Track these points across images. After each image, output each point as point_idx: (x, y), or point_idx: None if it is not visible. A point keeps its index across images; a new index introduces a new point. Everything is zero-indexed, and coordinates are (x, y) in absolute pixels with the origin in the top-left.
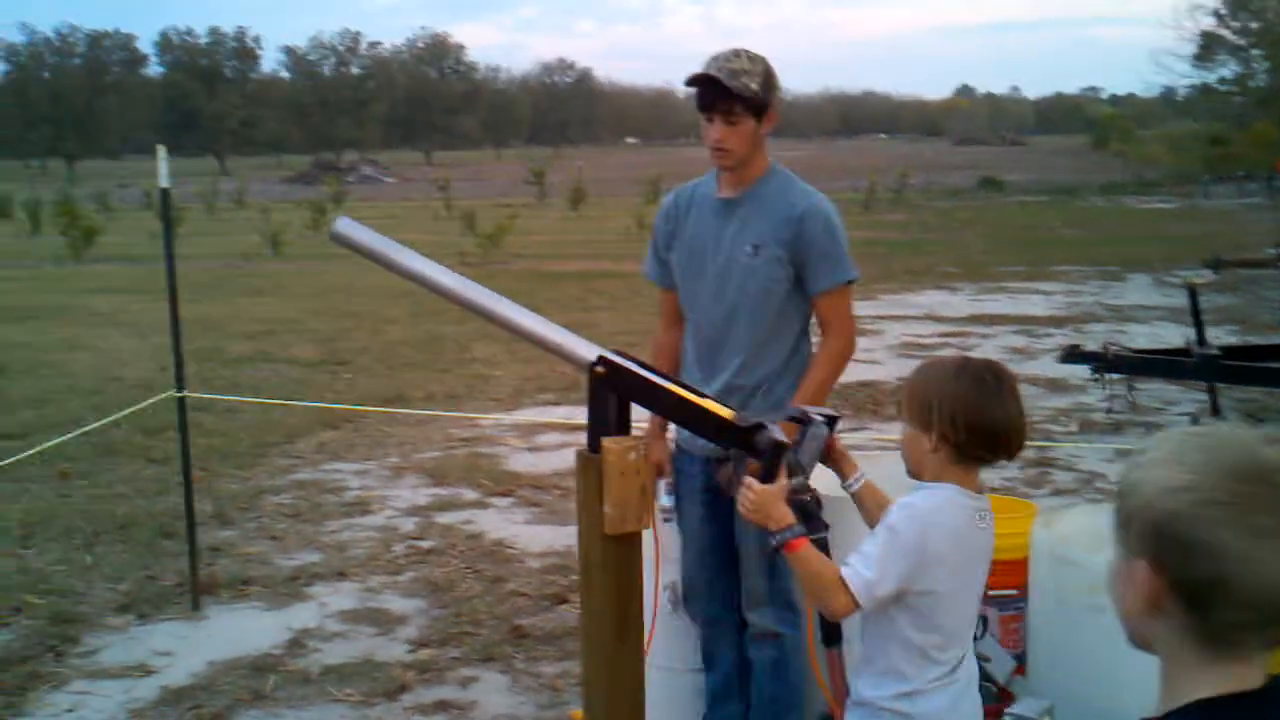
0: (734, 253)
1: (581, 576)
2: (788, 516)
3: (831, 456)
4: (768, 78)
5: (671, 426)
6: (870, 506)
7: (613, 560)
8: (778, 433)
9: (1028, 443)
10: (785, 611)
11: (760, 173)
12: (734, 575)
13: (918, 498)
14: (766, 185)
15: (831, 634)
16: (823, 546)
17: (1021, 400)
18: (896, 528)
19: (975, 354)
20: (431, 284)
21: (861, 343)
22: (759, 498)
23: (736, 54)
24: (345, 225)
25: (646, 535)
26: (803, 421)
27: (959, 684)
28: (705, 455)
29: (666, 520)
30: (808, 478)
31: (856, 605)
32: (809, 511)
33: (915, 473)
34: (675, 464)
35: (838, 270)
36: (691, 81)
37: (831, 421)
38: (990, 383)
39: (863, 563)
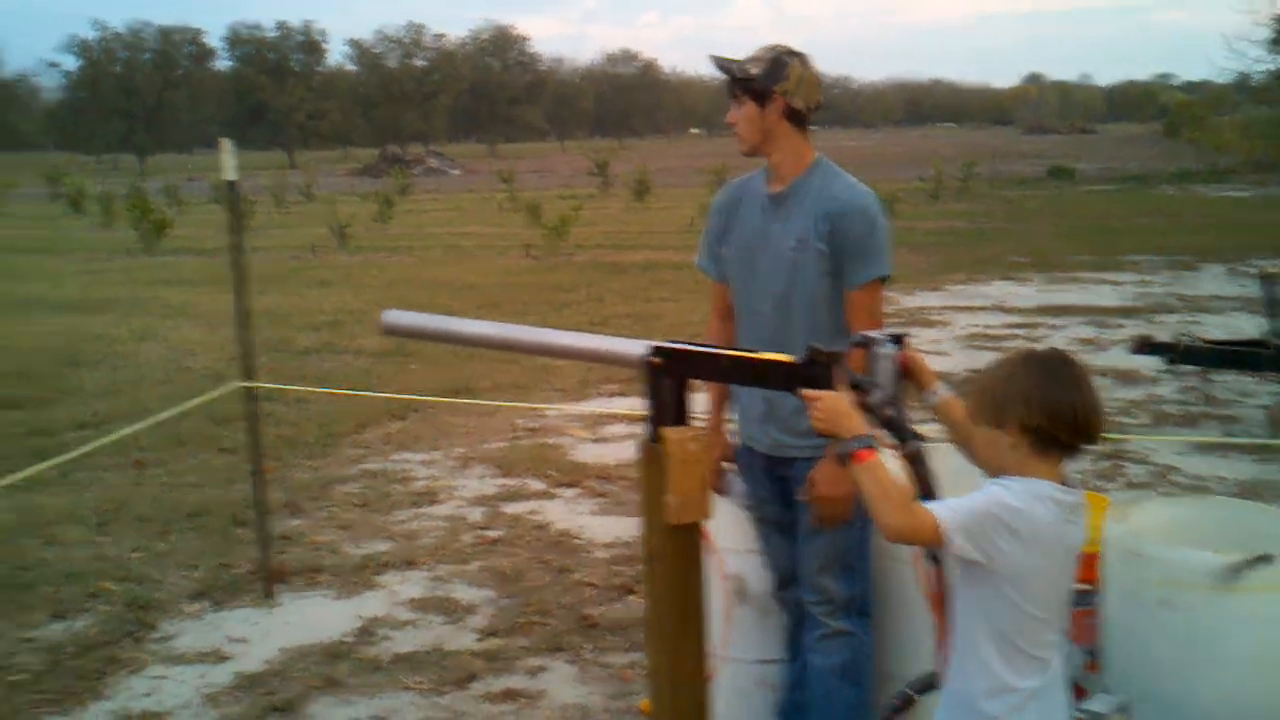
0: (781, 247)
1: (644, 566)
2: (860, 426)
3: (909, 370)
4: (774, 65)
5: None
6: (955, 421)
7: (675, 550)
8: (823, 348)
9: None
10: (857, 614)
11: (805, 167)
12: None
13: (1014, 480)
14: (810, 179)
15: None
16: (917, 456)
17: (1092, 382)
18: (997, 494)
19: (1044, 345)
20: (478, 340)
21: (929, 334)
22: (827, 403)
23: (766, 47)
24: (391, 315)
25: (710, 526)
26: (867, 345)
27: (1052, 695)
28: (767, 452)
29: (748, 509)
30: (890, 395)
31: (936, 531)
32: (896, 424)
33: (999, 475)
34: (739, 458)
35: (871, 266)
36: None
37: (897, 339)
38: (1060, 367)
39: (958, 503)
